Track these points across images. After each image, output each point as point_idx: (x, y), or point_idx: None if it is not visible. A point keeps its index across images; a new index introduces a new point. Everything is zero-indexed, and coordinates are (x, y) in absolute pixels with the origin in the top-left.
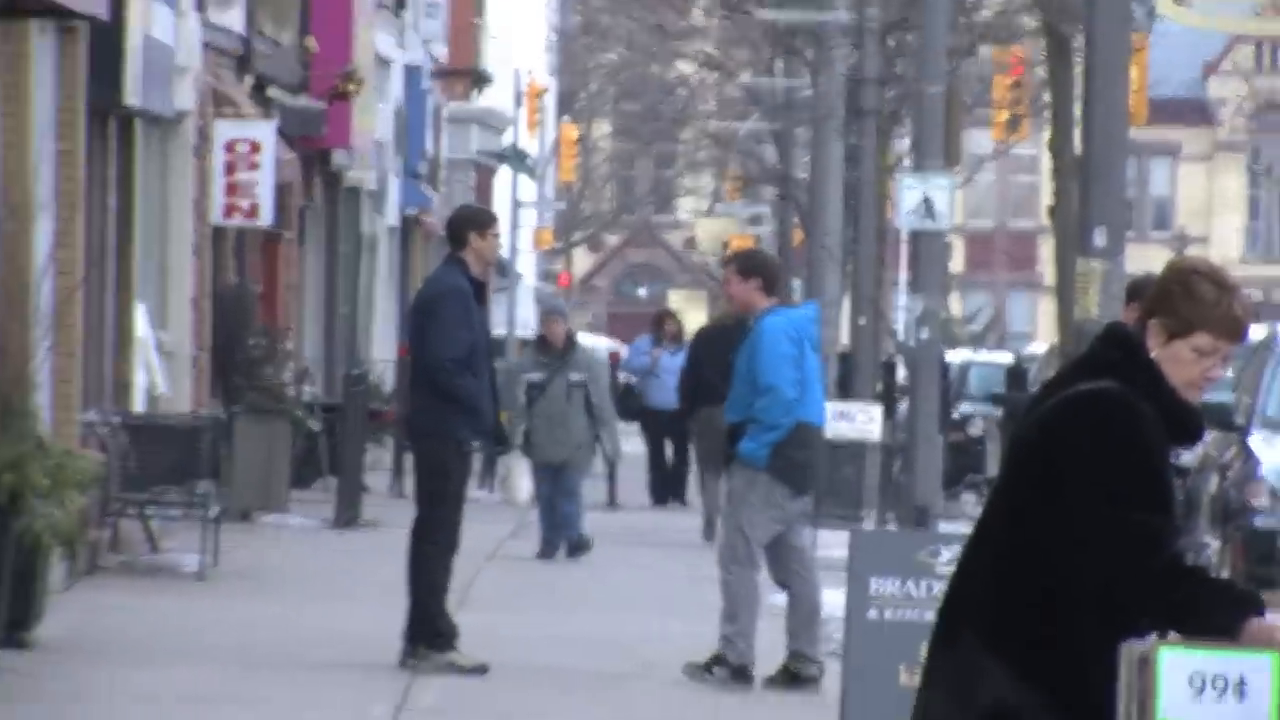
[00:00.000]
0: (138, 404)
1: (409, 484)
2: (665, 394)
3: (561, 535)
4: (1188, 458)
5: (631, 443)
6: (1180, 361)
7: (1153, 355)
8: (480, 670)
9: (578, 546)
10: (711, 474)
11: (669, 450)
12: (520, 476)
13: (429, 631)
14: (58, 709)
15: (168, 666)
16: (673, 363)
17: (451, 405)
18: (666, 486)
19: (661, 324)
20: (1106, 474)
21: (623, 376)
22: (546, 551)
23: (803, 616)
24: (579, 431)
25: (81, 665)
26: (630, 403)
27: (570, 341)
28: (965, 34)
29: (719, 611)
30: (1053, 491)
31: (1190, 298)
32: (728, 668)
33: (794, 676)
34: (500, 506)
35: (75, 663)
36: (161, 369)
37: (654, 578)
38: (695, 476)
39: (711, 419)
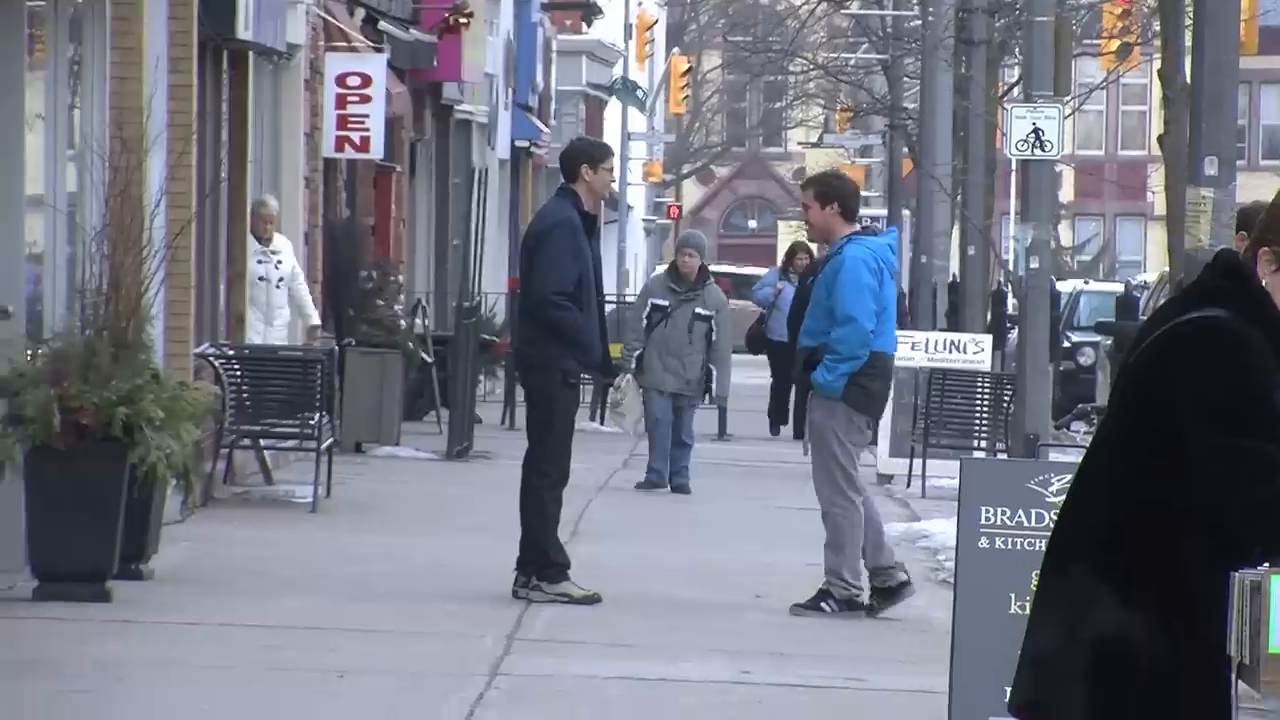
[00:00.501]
0: (278, 337)
1: (521, 416)
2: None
3: (668, 474)
4: None
5: (763, 374)
6: None
7: (1263, 283)
8: (593, 600)
9: (678, 489)
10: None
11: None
12: (632, 401)
13: (541, 562)
14: (173, 639)
15: (281, 597)
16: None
17: (556, 338)
18: (780, 417)
19: (793, 256)
20: (1217, 402)
21: (752, 307)
22: (650, 482)
23: (871, 535)
24: (694, 366)
25: (196, 596)
26: (756, 334)
27: (703, 275)
28: None
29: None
30: (1163, 420)
31: None
32: (835, 601)
33: (888, 591)
34: (612, 437)
35: (190, 593)
36: (310, 302)
37: (764, 509)
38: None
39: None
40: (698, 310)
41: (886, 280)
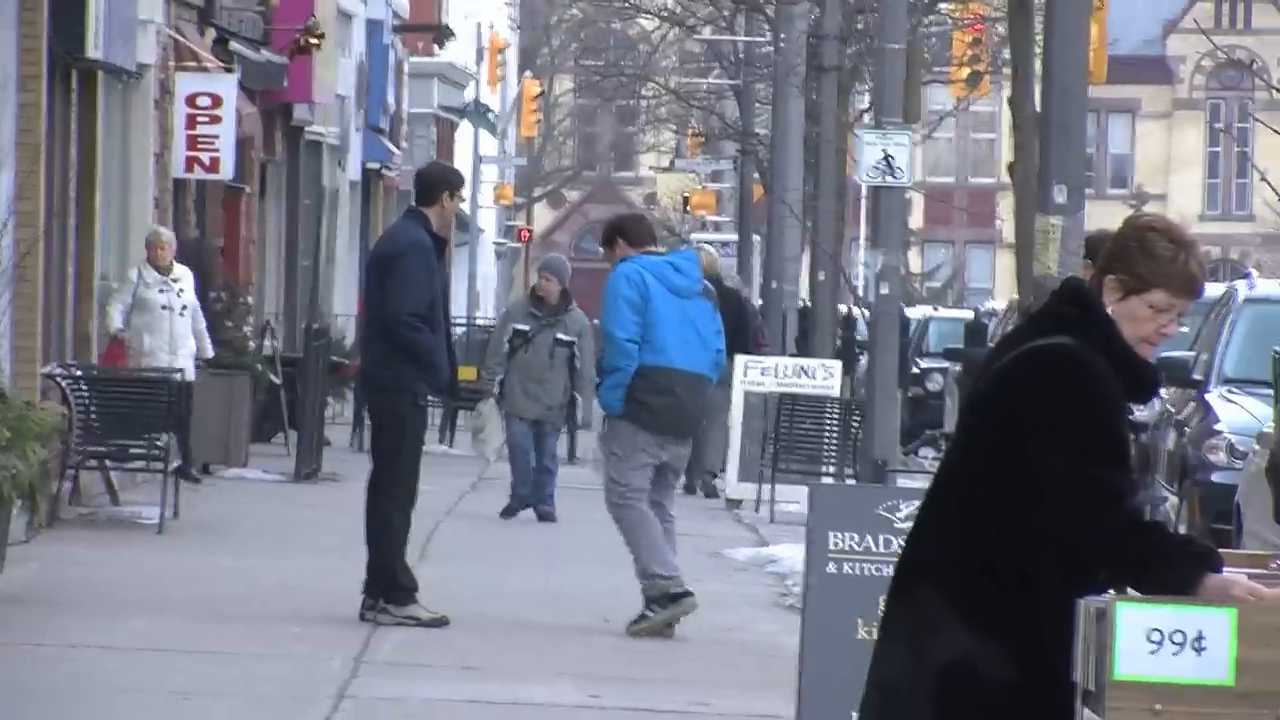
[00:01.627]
0: (185, 366)
1: (369, 438)
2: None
3: (532, 497)
4: (1145, 413)
5: None
6: (1136, 318)
7: (1109, 311)
8: (441, 623)
9: (544, 517)
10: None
11: None
12: (493, 427)
13: (388, 584)
14: (16, 659)
15: (127, 618)
16: None
17: (408, 359)
18: None
19: None
20: (1063, 429)
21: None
22: (512, 509)
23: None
24: (556, 391)
25: (41, 616)
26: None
27: (565, 300)
28: None
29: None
30: (1009, 446)
31: (1147, 254)
32: (654, 604)
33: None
34: (460, 460)
35: (35, 614)
36: (207, 334)
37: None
38: None
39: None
40: (559, 335)
41: (662, 295)
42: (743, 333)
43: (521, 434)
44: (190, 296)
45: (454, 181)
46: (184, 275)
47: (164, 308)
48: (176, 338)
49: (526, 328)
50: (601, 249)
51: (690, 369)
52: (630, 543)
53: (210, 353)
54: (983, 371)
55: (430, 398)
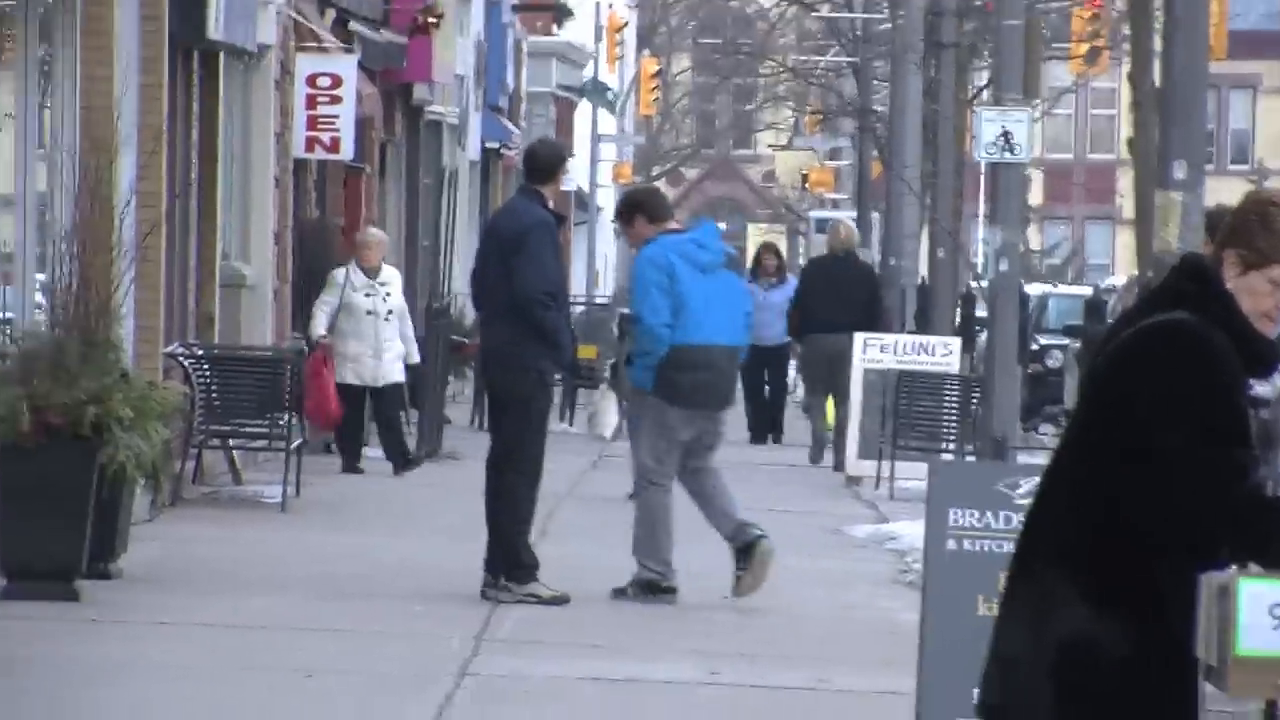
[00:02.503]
0: (389, 373)
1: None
2: (756, 330)
3: None
4: (1265, 389)
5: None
6: (1255, 293)
7: (1228, 286)
8: (561, 600)
9: None
10: (818, 399)
11: (765, 389)
12: (607, 410)
13: (510, 562)
14: (141, 638)
15: (250, 596)
16: (767, 299)
17: (536, 337)
18: (761, 424)
19: (759, 259)
20: (1182, 406)
21: None
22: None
23: (716, 500)
24: None
25: (164, 595)
26: None
27: None
28: None
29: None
30: (1128, 424)
31: (1267, 229)
32: (633, 585)
33: (747, 547)
34: (581, 439)
35: (158, 593)
36: (414, 339)
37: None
38: (797, 404)
39: (819, 345)
40: None
41: (689, 273)
42: (874, 308)
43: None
44: (397, 300)
45: (565, 157)
46: (392, 278)
47: (369, 312)
48: (381, 342)
49: None
50: (623, 229)
51: (723, 343)
52: (640, 522)
53: (417, 358)
54: (1101, 348)
55: (554, 375)
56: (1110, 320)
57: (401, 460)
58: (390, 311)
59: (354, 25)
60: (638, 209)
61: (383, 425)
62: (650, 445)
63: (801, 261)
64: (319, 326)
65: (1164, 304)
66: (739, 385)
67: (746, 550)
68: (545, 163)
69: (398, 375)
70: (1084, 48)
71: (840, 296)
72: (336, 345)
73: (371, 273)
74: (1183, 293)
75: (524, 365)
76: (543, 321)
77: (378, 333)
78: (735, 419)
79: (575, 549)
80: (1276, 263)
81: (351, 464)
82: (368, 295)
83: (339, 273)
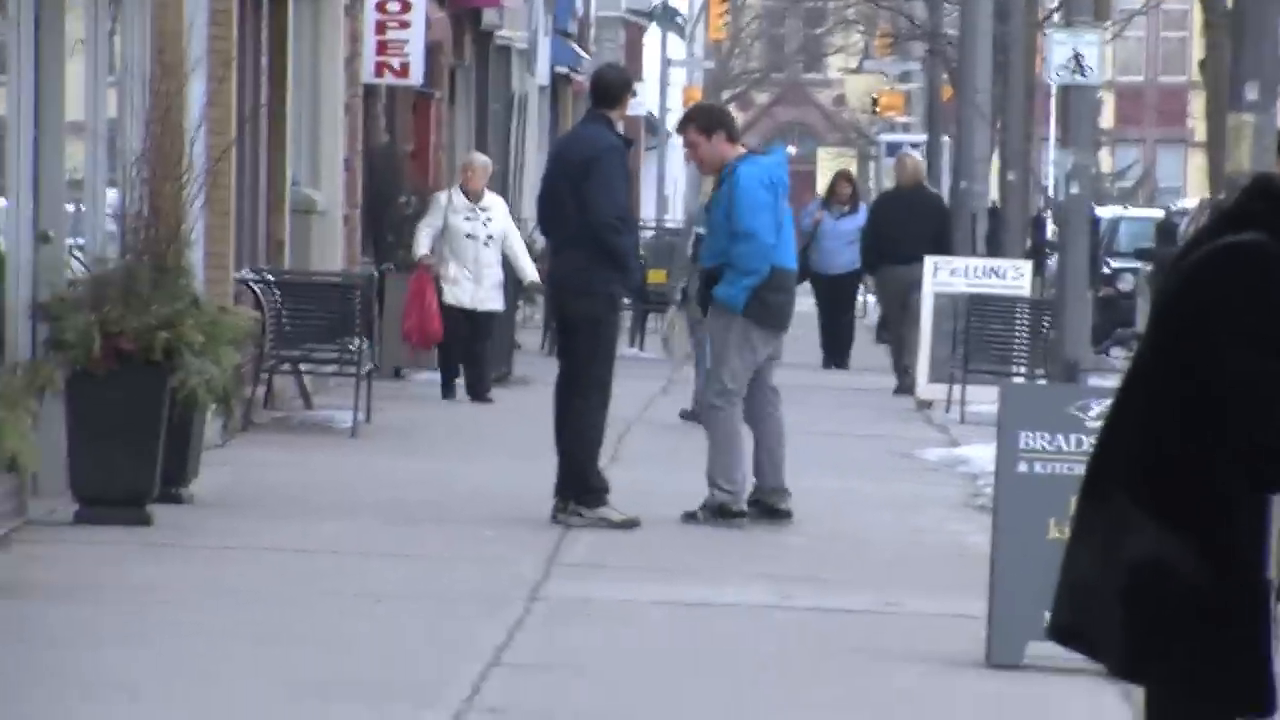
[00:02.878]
0: (488, 298)
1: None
2: (826, 258)
3: None
4: None
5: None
6: None
7: None
8: (632, 525)
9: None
10: (894, 331)
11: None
12: (679, 332)
13: (580, 487)
14: (213, 562)
15: (320, 521)
16: (837, 227)
17: (608, 262)
18: (828, 352)
19: (834, 187)
20: (1250, 325)
21: None
22: (694, 413)
23: (770, 452)
24: None
25: (236, 520)
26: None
27: None
28: None
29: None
30: (1199, 343)
31: None
32: (704, 510)
33: (770, 509)
34: (650, 363)
35: (230, 518)
36: (526, 256)
37: (804, 434)
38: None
39: (894, 276)
40: None
41: (781, 197)
42: (944, 239)
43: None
44: (501, 225)
45: (631, 82)
46: (495, 204)
47: (469, 236)
48: (481, 266)
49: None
50: (696, 139)
51: (794, 267)
52: (713, 444)
53: (531, 275)
54: (1172, 269)
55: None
56: (1181, 243)
57: (478, 392)
58: (490, 237)
59: None
60: (721, 125)
61: (469, 354)
62: (731, 366)
63: (872, 186)
64: (421, 246)
65: (1234, 224)
66: (815, 310)
67: (770, 512)
68: (613, 88)
69: (495, 303)
70: None
71: (911, 229)
72: (436, 267)
73: (474, 196)
74: (1253, 213)
75: (593, 289)
76: (615, 246)
77: (477, 257)
78: (805, 341)
79: (644, 474)
80: None
81: (450, 392)
82: (467, 219)
83: (441, 195)
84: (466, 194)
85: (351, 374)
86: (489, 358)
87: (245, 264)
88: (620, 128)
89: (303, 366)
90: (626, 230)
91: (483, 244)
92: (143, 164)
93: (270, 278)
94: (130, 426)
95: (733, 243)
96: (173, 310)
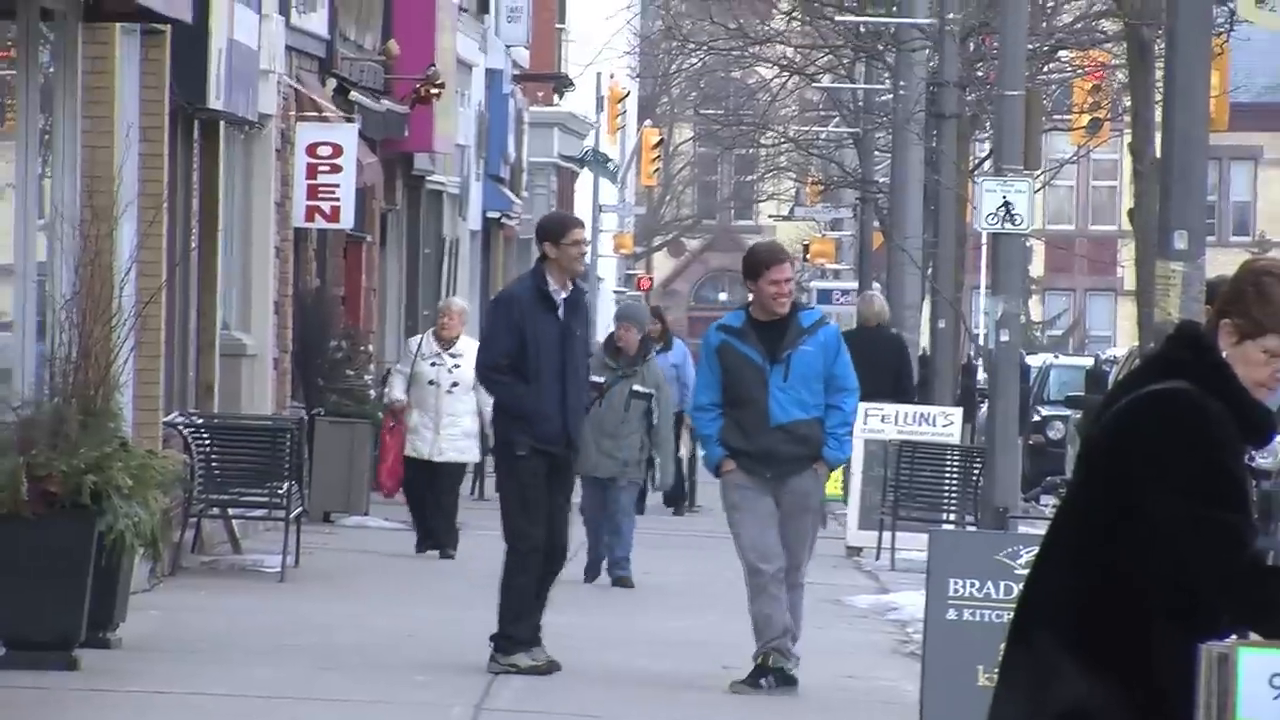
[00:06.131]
0: (449, 449)
1: (490, 486)
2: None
3: (606, 563)
4: (1266, 461)
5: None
6: (1251, 362)
7: (1224, 355)
8: (552, 669)
9: (619, 583)
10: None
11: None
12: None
13: (499, 633)
14: (142, 708)
15: (250, 666)
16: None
17: (500, 411)
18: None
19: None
20: (1180, 473)
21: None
22: (591, 573)
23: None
24: (630, 446)
25: (164, 665)
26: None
27: (644, 350)
28: (1045, 38)
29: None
30: (1125, 492)
31: (1262, 299)
32: (771, 677)
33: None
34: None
35: (158, 662)
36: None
37: (731, 581)
38: None
39: None
40: (635, 388)
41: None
42: (904, 379)
43: (592, 497)
44: (469, 373)
45: (552, 230)
46: (468, 349)
47: (431, 382)
48: (442, 415)
49: (602, 379)
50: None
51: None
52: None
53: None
54: (1098, 416)
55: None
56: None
57: (441, 545)
58: (455, 384)
59: (355, 95)
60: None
61: (433, 503)
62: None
63: None
64: (395, 390)
65: (1160, 372)
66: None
67: (780, 675)
68: (536, 238)
69: (457, 454)
70: (1085, 119)
71: (872, 367)
72: (404, 414)
73: (445, 343)
74: (1179, 361)
75: (499, 438)
76: (494, 395)
77: (438, 404)
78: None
79: (572, 619)
80: (1271, 332)
81: (425, 545)
82: (433, 365)
83: (414, 340)
84: (439, 339)
85: (280, 518)
86: (453, 510)
87: (175, 407)
88: (557, 278)
89: (231, 511)
90: (505, 379)
91: (445, 390)
92: (73, 307)
93: (199, 421)
94: (57, 570)
95: (834, 396)
96: (101, 453)
